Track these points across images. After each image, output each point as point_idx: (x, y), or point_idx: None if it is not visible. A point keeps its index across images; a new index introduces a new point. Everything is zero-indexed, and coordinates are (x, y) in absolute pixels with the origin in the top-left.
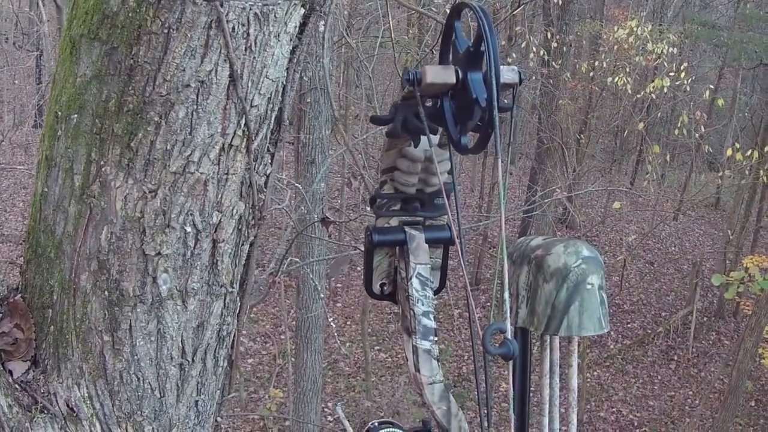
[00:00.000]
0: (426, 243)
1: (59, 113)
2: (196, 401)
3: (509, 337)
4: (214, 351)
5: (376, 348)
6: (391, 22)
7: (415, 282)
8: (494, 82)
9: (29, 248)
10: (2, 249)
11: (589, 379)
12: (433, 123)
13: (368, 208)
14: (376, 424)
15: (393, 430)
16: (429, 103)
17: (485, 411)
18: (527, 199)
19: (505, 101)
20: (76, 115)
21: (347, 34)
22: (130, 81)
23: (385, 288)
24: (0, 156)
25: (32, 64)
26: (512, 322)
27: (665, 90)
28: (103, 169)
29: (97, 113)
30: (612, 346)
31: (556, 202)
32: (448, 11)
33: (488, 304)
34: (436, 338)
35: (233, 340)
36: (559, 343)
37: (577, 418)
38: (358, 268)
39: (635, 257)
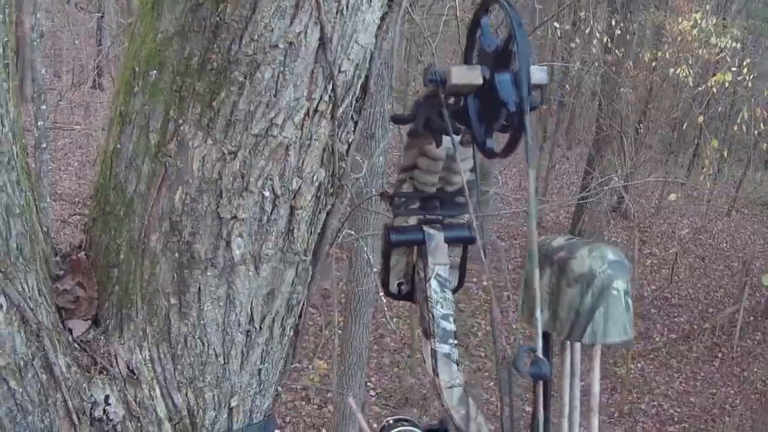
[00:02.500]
0: (445, 242)
1: (137, 69)
2: (260, 369)
3: (540, 356)
4: (282, 319)
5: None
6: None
7: (433, 283)
8: (525, 86)
9: (96, 205)
10: (55, 208)
11: (632, 371)
12: (457, 122)
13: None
14: (392, 421)
15: (408, 428)
16: (452, 101)
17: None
18: (583, 186)
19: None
20: (155, 72)
21: (412, 10)
22: (215, 39)
23: (403, 287)
24: (58, 115)
25: (93, 26)
26: (533, 325)
27: (726, 85)
28: (181, 127)
29: (178, 70)
30: (657, 339)
31: (611, 191)
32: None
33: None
34: (455, 341)
35: (302, 310)
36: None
37: (598, 420)
38: None
39: (687, 251)
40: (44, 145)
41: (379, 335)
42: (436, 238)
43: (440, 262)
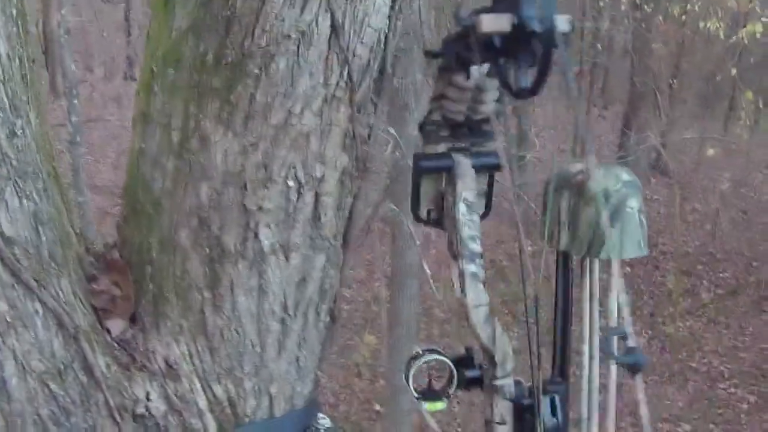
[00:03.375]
0: (473, 169)
1: (155, 68)
2: (297, 356)
3: (633, 344)
4: (316, 305)
5: None
6: None
7: (461, 206)
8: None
9: (126, 204)
10: (95, 199)
11: (681, 329)
12: (487, 58)
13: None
14: (420, 351)
15: (437, 356)
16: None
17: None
18: (621, 145)
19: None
20: (172, 70)
21: None
22: (227, 33)
23: (432, 214)
24: (91, 108)
25: (121, 18)
26: (553, 246)
27: (758, 35)
28: (201, 123)
29: (194, 67)
30: (704, 296)
31: (649, 148)
32: None
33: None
34: (482, 261)
35: (336, 294)
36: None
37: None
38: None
39: (728, 205)
40: (79, 140)
41: (427, 306)
42: (464, 164)
43: (468, 187)
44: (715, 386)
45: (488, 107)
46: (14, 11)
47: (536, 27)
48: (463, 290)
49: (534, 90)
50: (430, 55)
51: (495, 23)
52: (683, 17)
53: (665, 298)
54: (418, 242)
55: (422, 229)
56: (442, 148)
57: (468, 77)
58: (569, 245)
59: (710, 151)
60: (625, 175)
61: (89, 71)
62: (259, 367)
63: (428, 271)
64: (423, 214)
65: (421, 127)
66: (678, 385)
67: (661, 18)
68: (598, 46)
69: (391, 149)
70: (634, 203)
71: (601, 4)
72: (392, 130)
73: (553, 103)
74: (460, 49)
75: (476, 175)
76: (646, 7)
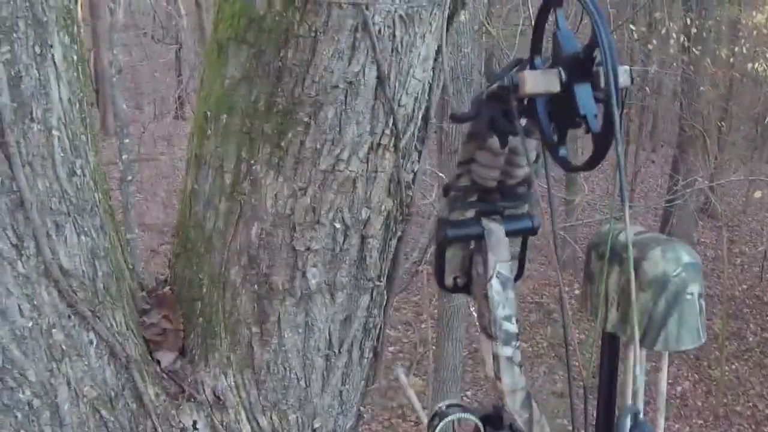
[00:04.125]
0: (506, 235)
1: (208, 113)
2: (341, 391)
3: (643, 418)
4: (360, 343)
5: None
6: (530, 10)
7: (495, 283)
8: (615, 109)
9: (179, 243)
10: (144, 237)
11: (727, 373)
12: (524, 123)
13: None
14: (444, 407)
15: (463, 415)
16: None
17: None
18: (669, 188)
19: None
20: (225, 115)
21: (487, 22)
22: (278, 82)
23: (459, 280)
24: (142, 147)
25: (171, 57)
26: (599, 324)
27: None
28: (253, 167)
29: (246, 113)
30: (751, 339)
31: (698, 191)
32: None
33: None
34: (517, 343)
35: (379, 332)
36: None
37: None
38: None
39: None
40: (130, 178)
41: (473, 349)
42: (497, 232)
43: (501, 258)
44: (760, 430)
45: (524, 171)
46: (75, 57)
47: (593, 127)
48: (497, 374)
49: (592, 165)
50: (457, 119)
51: (542, 83)
52: (731, 60)
53: (711, 341)
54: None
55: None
56: (470, 213)
57: (505, 145)
58: (618, 328)
59: (758, 194)
60: (686, 256)
61: (140, 110)
62: (304, 400)
63: (475, 313)
64: (449, 282)
65: (446, 192)
66: (723, 429)
67: (709, 61)
68: (647, 89)
69: (439, 193)
70: (694, 288)
71: (650, 47)
72: (442, 175)
73: None
74: (494, 113)
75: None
76: (694, 50)
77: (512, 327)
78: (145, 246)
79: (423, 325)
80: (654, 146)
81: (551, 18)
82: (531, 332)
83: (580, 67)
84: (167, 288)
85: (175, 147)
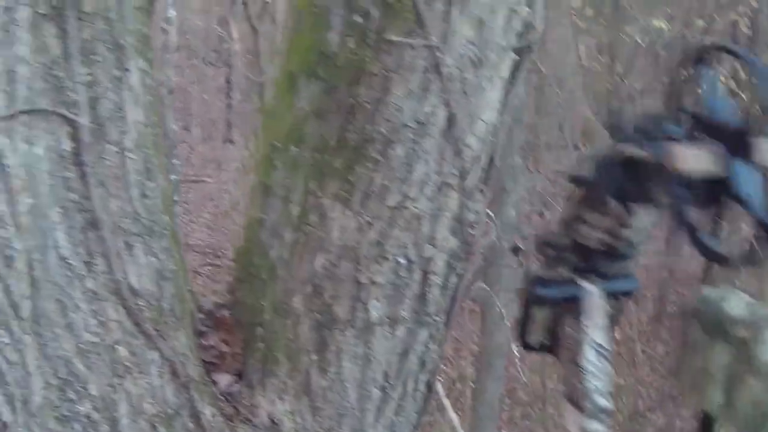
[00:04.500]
0: (604, 297)
1: (277, 144)
2: (393, 422)
3: None
4: (416, 376)
5: (555, 379)
6: (581, 49)
7: (588, 352)
8: None
9: (241, 268)
10: (187, 259)
11: None
12: (655, 196)
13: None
14: None
15: None
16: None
17: None
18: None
19: None
20: (294, 147)
21: (538, 61)
22: (350, 118)
23: (544, 340)
24: (189, 168)
25: (222, 81)
26: (693, 399)
27: None
28: (321, 200)
29: (316, 147)
30: None
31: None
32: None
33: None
34: (608, 419)
35: (434, 367)
36: None
37: None
38: None
39: None
40: (176, 199)
41: (511, 388)
42: (594, 295)
43: (597, 324)
44: None
45: (637, 234)
46: (150, 82)
47: (762, 216)
48: None
49: (753, 260)
50: (578, 182)
51: (700, 161)
52: None
53: None
54: (508, 323)
55: (513, 311)
56: (565, 271)
57: (628, 212)
58: (720, 413)
59: None
60: None
61: (187, 131)
62: (357, 430)
63: (517, 353)
64: (533, 341)
65: (541, 247)
66: None
67: None
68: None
69: (485, 230)
70: None
71: (698, 90)
72: (489, 212)
73: None
74: (623, 181)
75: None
76: None
77: (604, 402)
78: (189, 267)
79: (462, 362)
80: None
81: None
82: None
83: (737, 139)
84: (226, 312)
85: (223, 171)
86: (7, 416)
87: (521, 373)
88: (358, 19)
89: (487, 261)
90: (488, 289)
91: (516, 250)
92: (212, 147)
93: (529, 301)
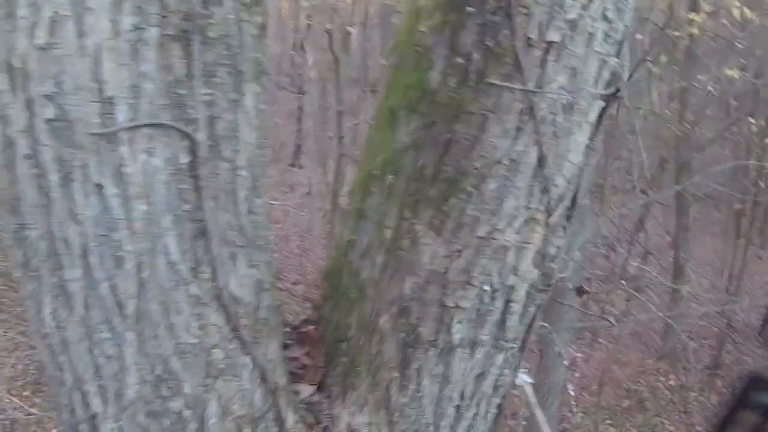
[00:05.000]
0: None
1: (375, 172)
2: None
3: None
4: (489, 398)
5: (606, 422)
6: (653, 95)
7: None
8: None
9: (328, 287)
10: None
11: None
12: None
13: (623, 282)
14: None
15: None
16: None
17: None
18: None
19: None
20: (391, 176)
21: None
22: (446, 153)
23: None
24: None
25: (294, 106)
26: None
27: None
28: (414, 226)
29: (412, 177)
30: None
31: None
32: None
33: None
34: None
35: (506, 391)
36: None
37: None
38: (600, 340)
39: None
40: None
41: (562, 428)
42: None
43: None
44: None
45: None
46: (262, 106)
47: None
48: None
49: None
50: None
51: None
52: None
53: None
54: (566, 362)
55: (571, 351)
56: None
57: None
58: None
59: None
60: None
61: None
62: None
63: (572, 392)
64: None
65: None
66: None
67: None
68: (761, 184)
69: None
70: None
71: (766, 140)
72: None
73: (712, 238)
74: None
75: None
76: None
77: None
78: None
79: (515, 399)
80: (763, 242)
81: None
82: (620, 418)
83: None
84: (312, 327)
85: (289, 195)
86: (98, 407)
87: (574, 415)
88: (460, 61)
89: (550, 299)
90: (547, 326)
91: (580, 291)
92: (279, 170)
93: (738, 401)
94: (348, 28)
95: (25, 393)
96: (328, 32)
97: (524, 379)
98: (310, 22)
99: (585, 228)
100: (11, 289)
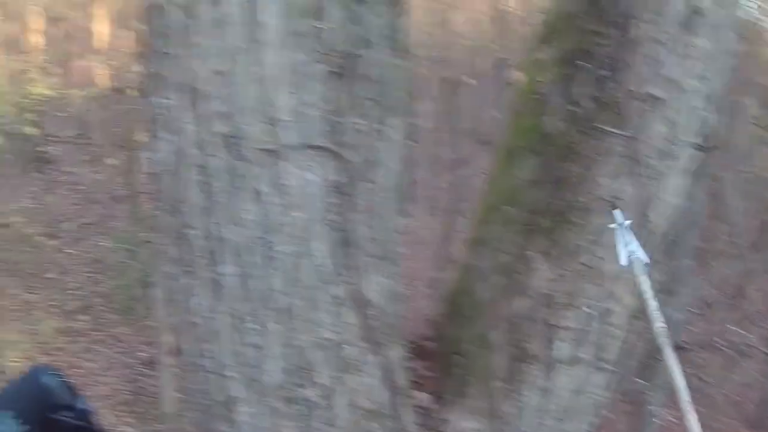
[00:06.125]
0: None
1: (495, 205)
2: None
3: None
4: (585, 415)
5: None
6: (758, 158)
7: None
8: None
9: (449, 306)
10: None
11: None
12: None
13: (720, 347)
14: None
15: None
16: None
17: None
18: None
19: None
20: (509, 208)
21: (717, 167)
22: (558, 188)
23: None
24: None
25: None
26: None
27: None
28: (527, 253)
29: (528, 209)
30: None
31: None
32: None
33: None
34: None
35: (600, 411)
36: None
37: None
38: (693, 404)
39: None
40: None
41: None
42: None
43: None
44: None
45: None
46: (404, 137)
47: None
48: None
49: None
50: None
51: None
52: None
53: None
54: (657, 422)
55: (663, 411)
56: None
57: None
58: None
59: None
60: None
61: None
62: None
63: None
64: None
65: None
66: None
67: None
68: None
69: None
70: None
71: None
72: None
73: None
74: None
75: None
76: None
77: None
78: None
79: None
80: None
81: None
82: None
83: None
84: (427, 342)
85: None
86: (239, 392)
87: None
88: (572, 108)
89: (647, 355)
90: (645, 383)
91: (678, 349)
92: None
93: None
94: (464, 78)
95: (118, 411)
96: (445, 82)
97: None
98: (425, 71)
99: (686, 289)
100: (110, 310)
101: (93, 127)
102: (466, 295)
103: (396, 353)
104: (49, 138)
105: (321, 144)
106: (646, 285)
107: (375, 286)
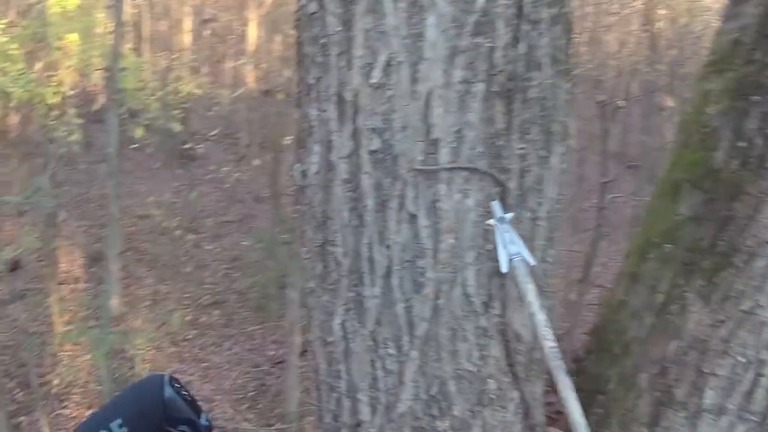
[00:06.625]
0: None
1: (653, 240)
2: None
3: None
4: None
5: None
6: None
7: None
8: None
9: (595, 342)
10: None
11: None
12: None
13: None
14: None
15: None
16: None
17: None
18: None
19: None
20: (669, 245)
21: None
22: (723, 228)
23: None
24: None
25: None
26: None
27: None
28: (685, 293)
29: (689, 248)
30: None
31: None
32: None
33: None
34: None
35: None
36: None
37: None
38: None
39: None
40: None
41: None
42: None
43: None
44: None
45: None
46: (564, 165)
47: None
48: None
49: None
50: None
51: None
52: None
53: None
54: None
55: None
56: None
57: None
58: None
59: None
60: None
61: None
62: None
63: None
64: None
65: None
66: None
67: None
68: None
69: None
70: None
71: None
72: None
73: None
74: None
75: None
76: None
77: None
78: None
79: None
80: None
81: None
82: None
83: None
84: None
85: None
86: (365, 416)
87: None
88: (743, 145)
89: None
90: None
91: None
92: None
93: None
94: (618, 101)
95: (241, 407)
96: (601, 104)
97: None
98: (576, 90)
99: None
100: (243, 308)
101: (239, 128)
102: (615, 333)
103: (537, 389)
104: (195, 136)
105: (480, 167)
106: (531, 293)
107: (524, 319)
